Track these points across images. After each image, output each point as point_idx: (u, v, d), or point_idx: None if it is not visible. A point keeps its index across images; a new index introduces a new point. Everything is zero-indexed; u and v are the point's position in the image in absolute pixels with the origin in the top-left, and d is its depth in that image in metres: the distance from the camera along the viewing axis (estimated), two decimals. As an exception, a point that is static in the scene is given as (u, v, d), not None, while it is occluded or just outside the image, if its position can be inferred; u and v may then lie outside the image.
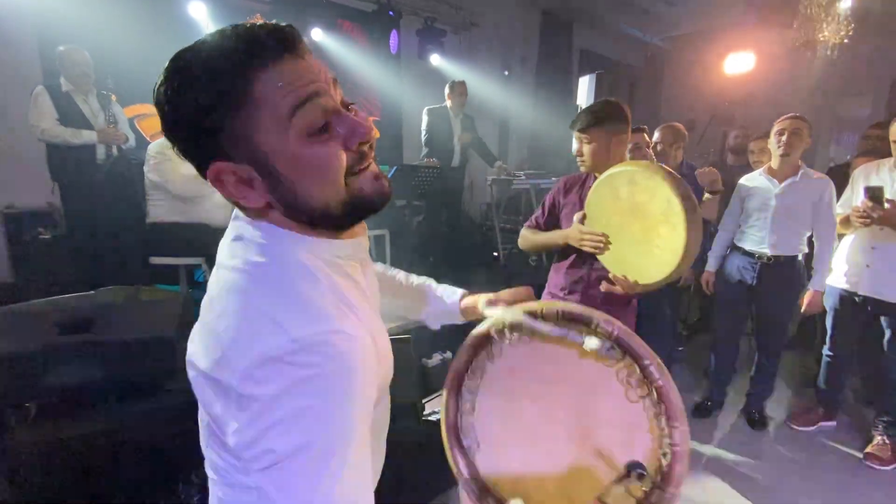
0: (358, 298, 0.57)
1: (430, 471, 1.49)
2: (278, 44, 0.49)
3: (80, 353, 1.47)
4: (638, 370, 0.66)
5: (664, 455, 0.64)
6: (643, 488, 0.65)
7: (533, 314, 0.74)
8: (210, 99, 0.47)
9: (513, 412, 0.77)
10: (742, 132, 3.36)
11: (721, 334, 2.65)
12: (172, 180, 2.74)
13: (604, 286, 1.58)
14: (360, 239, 0.62)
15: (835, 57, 4.91)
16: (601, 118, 1.62)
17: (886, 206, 2.03)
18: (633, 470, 0.65)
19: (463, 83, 4.09)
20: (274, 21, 0.51)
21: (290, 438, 0.45)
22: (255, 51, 0.48)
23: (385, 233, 3.84)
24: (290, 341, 0.46)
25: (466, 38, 5.89)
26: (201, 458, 0.63)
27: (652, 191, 1.34)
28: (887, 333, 2.20)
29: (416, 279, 0.99)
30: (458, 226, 4.49)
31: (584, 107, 3.60)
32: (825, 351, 2.47)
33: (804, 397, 2.82)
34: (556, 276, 1.79)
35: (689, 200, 1.29)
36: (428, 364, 2.44)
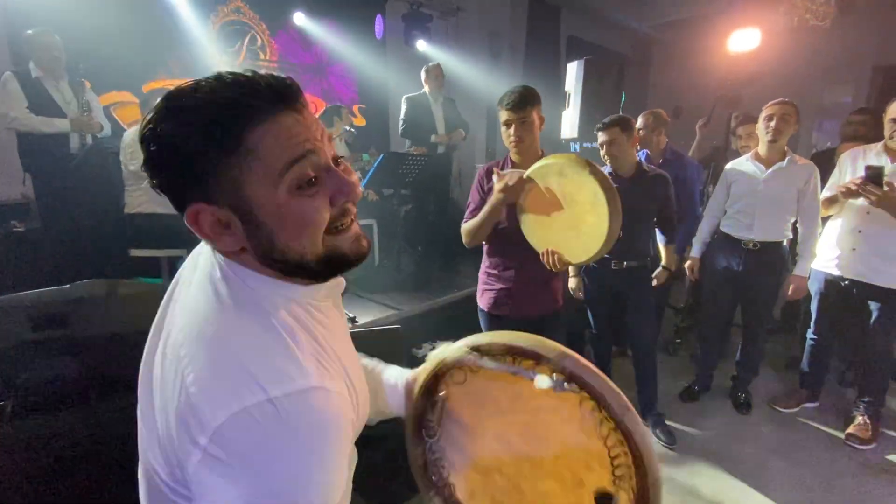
0: (333, 341, 0.57)
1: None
2: (277, 98, 0.49)
3: (56, 349, 1.42)
4: (598, 406, 0.63)
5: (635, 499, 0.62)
6: None
7: (478, 350, 0.72)
8: (202, 145, 0.47)
9: (475, 450, 0.75)
10: (742, 115, 3.31)
11: (708, 320, 2.68)
12: (151, 169, 2.65)
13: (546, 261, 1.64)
14: (337, 280, 0.61)
15: (818, 43, 4.93)
16: (535, 98, 1.67)
17: (885, 188, 2.00)
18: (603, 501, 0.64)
19: (438, 65, 3.99)
20: (274, 74, 0.51)
21: (265, 499, 0.43)
22: (253, 103, 0.47)
23: (372, 222, 3.80)
24: (266, 400, 0.44)
25: (453, 24, 5.79)
26: None
27: (580, 183, 1.49)
28: (874, 315, 2.23)
29: (366, 360, 0.86)
30: (446, 214, 4.44)
31: (569, 92, 3.55)
32: (809, 334, 2.51)
33: (788, 380, 2.87)
34: (490, 255, 1.88)
35: (612, 191, 1.46)
36: (417, 354, 2.43)
